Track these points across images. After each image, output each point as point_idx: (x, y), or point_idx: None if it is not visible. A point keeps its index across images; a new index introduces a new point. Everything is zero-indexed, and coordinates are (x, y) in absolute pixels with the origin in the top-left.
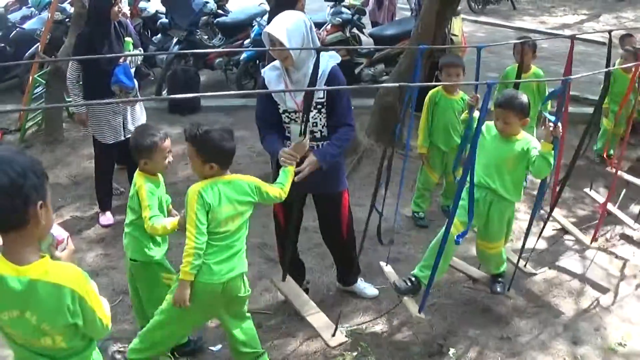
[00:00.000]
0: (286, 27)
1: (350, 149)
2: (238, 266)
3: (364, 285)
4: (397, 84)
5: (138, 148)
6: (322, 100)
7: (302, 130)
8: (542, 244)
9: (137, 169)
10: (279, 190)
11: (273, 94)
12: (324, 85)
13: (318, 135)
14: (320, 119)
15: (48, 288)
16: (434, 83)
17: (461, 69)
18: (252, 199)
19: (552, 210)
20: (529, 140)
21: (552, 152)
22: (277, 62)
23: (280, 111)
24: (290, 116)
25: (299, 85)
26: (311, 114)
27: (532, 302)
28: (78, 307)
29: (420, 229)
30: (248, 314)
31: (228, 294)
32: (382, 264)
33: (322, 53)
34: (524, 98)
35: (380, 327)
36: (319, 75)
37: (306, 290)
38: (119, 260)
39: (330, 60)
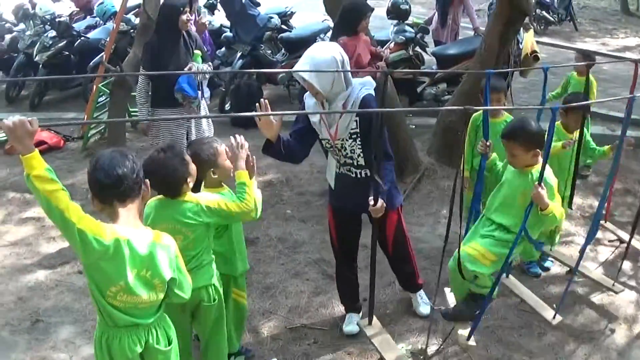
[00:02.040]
0: (314, 66)
1: (411, 168)
2: (196, 279)
3: (421, 301)
4: (461, 107)
5: (201, 160)
6: (356, 129)
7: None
8: (598, 269)
9: (203, 187)
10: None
11: (312, 122)
12: (356, 115)
13: (356, 163)
14: (357, 148)
15: (162, 248)
16: (504, 107)
17: (502, 94)
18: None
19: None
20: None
21: (550, 214)
22: None
23: (320, 138)
24: (329, 143)
25: (333, 116)
26: (347, 143)
27: (587, 327)
28: (177, 262)
29: None
30: (222, 332)
31: (191, 301)
32: (447, 290)
33: (354, 82)
34: (531, 127)
35: (436, 347)
36: (350, 105)
37: (360, 307)
38: None
39: (362, 89)
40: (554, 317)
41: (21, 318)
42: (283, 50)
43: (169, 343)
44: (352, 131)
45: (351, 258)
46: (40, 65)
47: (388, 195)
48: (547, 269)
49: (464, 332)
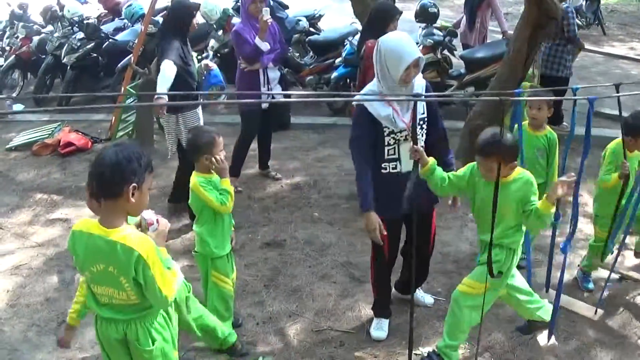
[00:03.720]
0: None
1: None
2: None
3: (422, 294)
4: (496, 98)
5: (198, 145)
6: (424, 116)
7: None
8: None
9: (194, 171)
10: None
11: (380, 119)
12: (425, 103)
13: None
14: (423, 135)
15: (124, 249)
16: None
17: (544, 102)
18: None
19: None
20: (528, 183)
21: (552, 214)
22: (375, 86)
23: (386, 134)
24: (395, 137)
25: (406, 106)
26: (418, 131)
27: (614, 332)
28: (142, 271)
29: None
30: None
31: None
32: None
33: None
34: (506, 140)
35: (462, 351)
36: (422, 89)
37: (390, 313)
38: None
39: (420, 75)
40: (595, 313)
41: (48, 319)
42: (311, 53)
43: (152, 343)
44: (421, 117)
45: (392, 265)
46: (68, 67)
47: (429, 192)
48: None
49: (542, 336)
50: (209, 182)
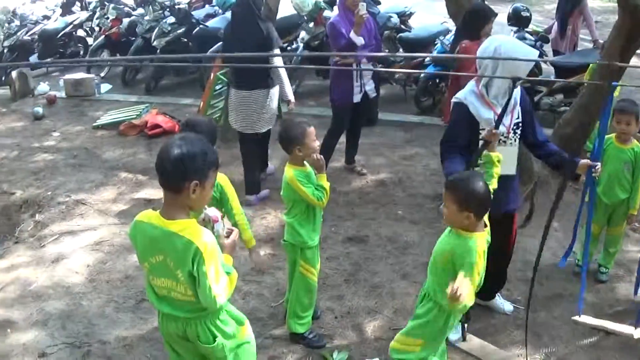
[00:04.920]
0: None
1: (525, 179)
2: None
3: (501, 301)
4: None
5: (290, 137)
6: (519, 121)
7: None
8: None
9: (287, 162)
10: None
11: (480, 120)
12: (520, 105)
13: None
14: (516, 140)
15: (182, 241)
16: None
17: (633, 117)
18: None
19: None
20: (467, 248)
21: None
22: (475, 88)
23: (480, 137)
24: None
25: (507, 110)
26: (510, 135)
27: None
28: (196, 264)
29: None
30: None
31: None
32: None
33: None
34: (470, 184)
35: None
36: (520, 95)
37: (470, 317)
38: (286, 262)
39: None
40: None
41: (127, 296)
42: (401, 50)
43: (213, 340)
44: (515, 121)
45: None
46: (158, 51)
47: (515, 196)
48: None
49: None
50: (306, 175)
